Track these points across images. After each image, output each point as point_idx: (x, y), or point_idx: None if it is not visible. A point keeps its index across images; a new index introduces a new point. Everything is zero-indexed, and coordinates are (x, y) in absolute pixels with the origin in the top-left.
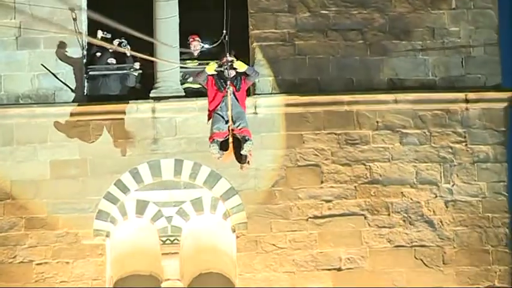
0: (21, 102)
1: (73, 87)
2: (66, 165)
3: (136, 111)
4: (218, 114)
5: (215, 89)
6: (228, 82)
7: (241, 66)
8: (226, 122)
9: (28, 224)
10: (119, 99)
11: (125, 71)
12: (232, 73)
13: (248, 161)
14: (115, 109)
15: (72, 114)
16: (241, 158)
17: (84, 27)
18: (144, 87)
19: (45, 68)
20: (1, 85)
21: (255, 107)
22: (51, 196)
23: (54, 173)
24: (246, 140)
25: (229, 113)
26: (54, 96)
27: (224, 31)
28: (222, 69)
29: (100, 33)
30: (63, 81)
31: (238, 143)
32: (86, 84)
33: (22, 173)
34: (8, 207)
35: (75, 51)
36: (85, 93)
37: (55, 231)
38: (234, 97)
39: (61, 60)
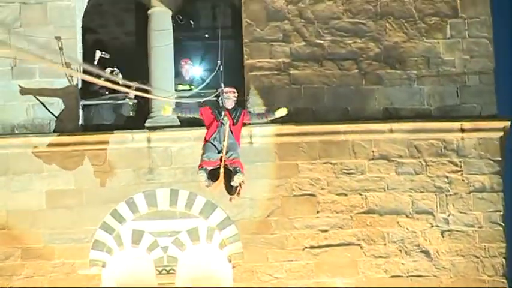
0: (16, 132)
1: (68, 117)
2: (62, 195)
3: (132, 140)
4: (211, 143)
5: (213, 117)
6: (223, 113)
7: (281, 113)
8: (219, 152)
9: (24, 254)
10: (115, 129)
11: (118, 101)
12: (231, 104)
13: (238, 192)
14: (110, 139)
15: (67, 144)
16: (231, 189)
17: (79, 56)
18: (139, 116)
19: (37, 99)
20: None
21: (251, 137)
22: (47, 226)
23: (50, 203)
24: (237, 172)
25: (224, 143)
26: (50, 126)
27: (219, 61)
28: (218, 99)
29: (98, 54)
30: (55, 112)
31: (229, 174)
32: (81, 113)
33: (18, 203)
34: (4, 237)
35: (68, 81)
36: (80, 123)
37: (51, 262)
38: (228, 128)
39: (55, 90)
